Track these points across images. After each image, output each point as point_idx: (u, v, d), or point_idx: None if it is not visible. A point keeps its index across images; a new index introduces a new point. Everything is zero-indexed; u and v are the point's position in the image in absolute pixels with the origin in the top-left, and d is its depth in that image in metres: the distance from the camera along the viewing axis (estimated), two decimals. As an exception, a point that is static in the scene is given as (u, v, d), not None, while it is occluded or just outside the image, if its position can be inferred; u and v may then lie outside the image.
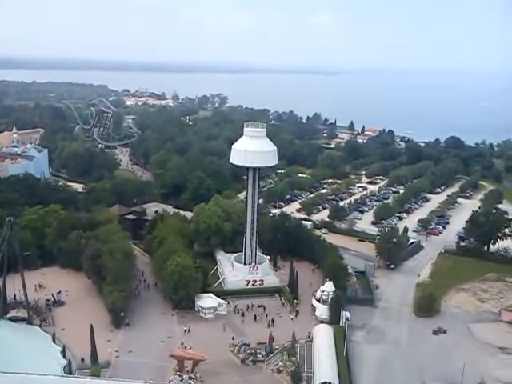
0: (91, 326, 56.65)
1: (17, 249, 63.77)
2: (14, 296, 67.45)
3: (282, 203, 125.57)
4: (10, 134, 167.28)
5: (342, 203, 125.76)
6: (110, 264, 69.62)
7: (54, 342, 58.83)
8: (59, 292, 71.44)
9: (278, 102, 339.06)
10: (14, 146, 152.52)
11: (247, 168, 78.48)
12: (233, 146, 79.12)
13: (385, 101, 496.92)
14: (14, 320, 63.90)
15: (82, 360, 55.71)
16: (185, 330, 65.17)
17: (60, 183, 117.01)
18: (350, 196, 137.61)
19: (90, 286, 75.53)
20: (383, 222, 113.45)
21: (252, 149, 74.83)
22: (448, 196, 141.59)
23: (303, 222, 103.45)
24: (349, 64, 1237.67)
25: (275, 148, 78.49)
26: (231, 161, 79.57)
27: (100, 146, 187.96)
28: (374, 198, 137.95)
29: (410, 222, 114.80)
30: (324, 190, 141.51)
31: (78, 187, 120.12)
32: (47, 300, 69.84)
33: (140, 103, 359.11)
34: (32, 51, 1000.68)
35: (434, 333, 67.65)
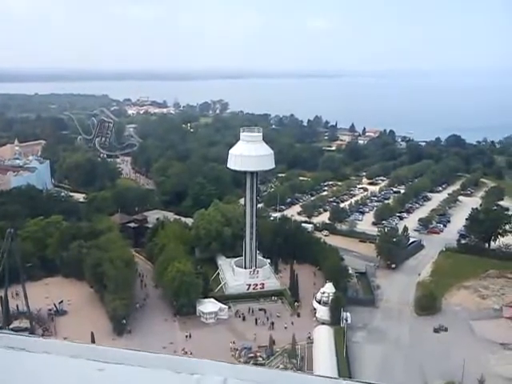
0: (92, 334, 57.27)
1: (18, 260, 64.64)
2: (17, 306, 68.22)
3: (283, 206, 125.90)
4: (12, 147, 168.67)
5: (342, 205, 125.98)
6: (110, 272, 70.27)
7: (56, 351, 59.35)
8: (61, 301, 72.09)
9: (279, 107, 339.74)
10: (16, 159, 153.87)
11: (245, 172, 79.29)
12: (230, 151, 79.98)
13: (386, 102, 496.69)
14: (17, 330, 64.61)
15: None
16: (186, 336, 65.68)
17: (62, 194, 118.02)
18: (351, 197, 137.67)
19: (92, 295, 76.13)
20: (384, 222, 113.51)
21: (248, 153, 75.55)
22: (449, 194, 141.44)
23: (304, 224, 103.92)
24: (349, 67, 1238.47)
25: (272, 152, 79.20)
26: (228, 165, 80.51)
27: (102, 155, 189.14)
28: (375, 198, 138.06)
29: (411, 221, 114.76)
30: (325, 193, 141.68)
31: (80, 197, 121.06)
32: (49, 310, 70.54)
33: (141, 112, 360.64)
34: (34, 64, 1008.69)
35: (435, 331, 67.77)
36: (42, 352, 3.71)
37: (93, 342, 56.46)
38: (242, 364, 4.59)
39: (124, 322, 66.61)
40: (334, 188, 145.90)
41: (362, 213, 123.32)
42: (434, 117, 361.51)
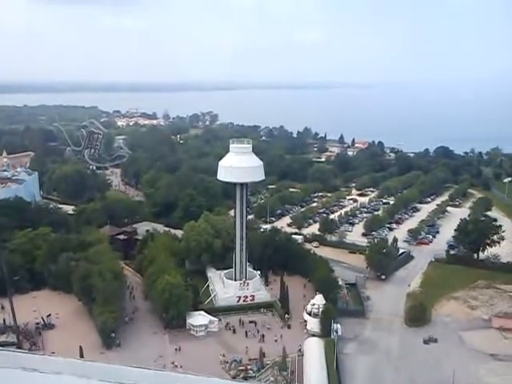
0: (80, 347, 56.57)
1: (5, 273, 63.86)
2: (4, 321, 67.35)
3: (273, 218, 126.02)
4: None
5: (332, 216, 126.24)
6: (99, 285, 69.66)
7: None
8: (49, 315, 71.17)
9: (269, 118, 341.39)
10: (4, 171, 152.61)
11: (235, 184, 79.35)
12: (219, 163, 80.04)
13: (375, 113, 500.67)
14: (4, 345, 63.59)
15: None
16: (175, 349, 65.07)
17: (50, 206, 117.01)
18: (341, 209, 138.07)
19: (81, 308, 75.21)
20: (374, 233, 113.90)
21: (238, 165, 75.64)
22: (437, 205, 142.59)
23: (294, 236, 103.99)
24: (338, 78, 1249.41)
25: (261, 163, 79.34)
26: (218, 177, 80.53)
27: (91, 167, 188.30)
28: (365, 209, 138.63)
29: (401, 232, 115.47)
30: (314, 204, 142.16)
31: (69, 209, 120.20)
32: (37, 324, 69.59)
33: (131, 123, 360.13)
34: (23, 75, 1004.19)
35: (425, 342, 67.77)
36: (54, 373, 3.67)
37: (81, 356, 55.76)
38: (244, 381, 4.57)
39: (113, 335, 65.93)
40: (324, 199, 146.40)
41: (352, 224, 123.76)
42: (423, 127, 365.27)
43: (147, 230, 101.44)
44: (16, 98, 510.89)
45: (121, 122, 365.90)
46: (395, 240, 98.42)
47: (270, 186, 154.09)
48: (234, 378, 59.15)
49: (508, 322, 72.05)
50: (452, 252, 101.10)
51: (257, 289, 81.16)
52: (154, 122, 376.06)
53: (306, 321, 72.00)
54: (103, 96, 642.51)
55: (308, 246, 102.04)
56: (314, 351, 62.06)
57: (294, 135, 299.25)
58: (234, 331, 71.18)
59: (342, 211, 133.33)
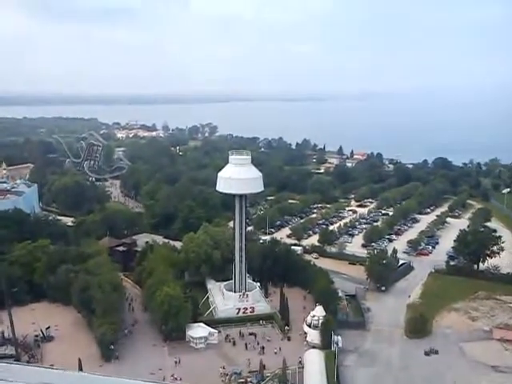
0: (79, 360, 56.16)
1: (4, 285, 63.68)
2: (2, 333, 66.93)
3: (273, 229, 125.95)
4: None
5: (331, 227, 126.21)
6: (98, 297, 69.38)
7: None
8: (48, 327, 70.78)
9: (268, 130, 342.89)
10: (4, 182, 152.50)
11: (234, 195, 79.40)
12: (218, 174, 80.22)
13: (373, 124, 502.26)
14: (2, 357, 63.12)
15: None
16: (175, 362, 64.56)
17: (50, 217, 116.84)
18: (340, 220, 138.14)
19: (80, 320, 74.83)
20: (373, 244, 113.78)
21: (237, 176, 75.80)
22: (437, 216, 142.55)
23: (293, 247, 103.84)
24: (335, 90, 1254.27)
25: (260, 175, 79.53)
26: (217, 188, 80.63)
27: (91, 179, 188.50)
28: (364, 220, 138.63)
29: (400, 243, 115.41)
30: (314, 215, 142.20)
31: (68, 221, 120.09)
32: (36, 336, 69.17)
33: (131, 135, 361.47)
34: (23, 87, 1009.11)
35: (426, 354, 67.43)
36: None
37: (80, 369, 55.35)
38: None
39: (112, 347, 65.49)
40: (323, 210, 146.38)
41: (352, 235, 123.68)
42: (421, 138, 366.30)
43: (146, 242, 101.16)
44: (15, 110, 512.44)
45: (120, 134, 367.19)
46: (395, 251, 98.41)
47: (270, 198, 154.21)
48: (233, 390, 58.90)
49: (509, 334, 71.71)
50: (452, 263, 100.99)
51: (256, 300, 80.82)
52: (154, 133, 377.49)
53: (306, 332, 71.61)
54: (103, 108, 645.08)
55: (308, 257, 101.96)
56: (314, 363, 61.62)
57: (293, 147, 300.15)
58: (234, 343, 70.77)
59: (342, 222, 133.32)
